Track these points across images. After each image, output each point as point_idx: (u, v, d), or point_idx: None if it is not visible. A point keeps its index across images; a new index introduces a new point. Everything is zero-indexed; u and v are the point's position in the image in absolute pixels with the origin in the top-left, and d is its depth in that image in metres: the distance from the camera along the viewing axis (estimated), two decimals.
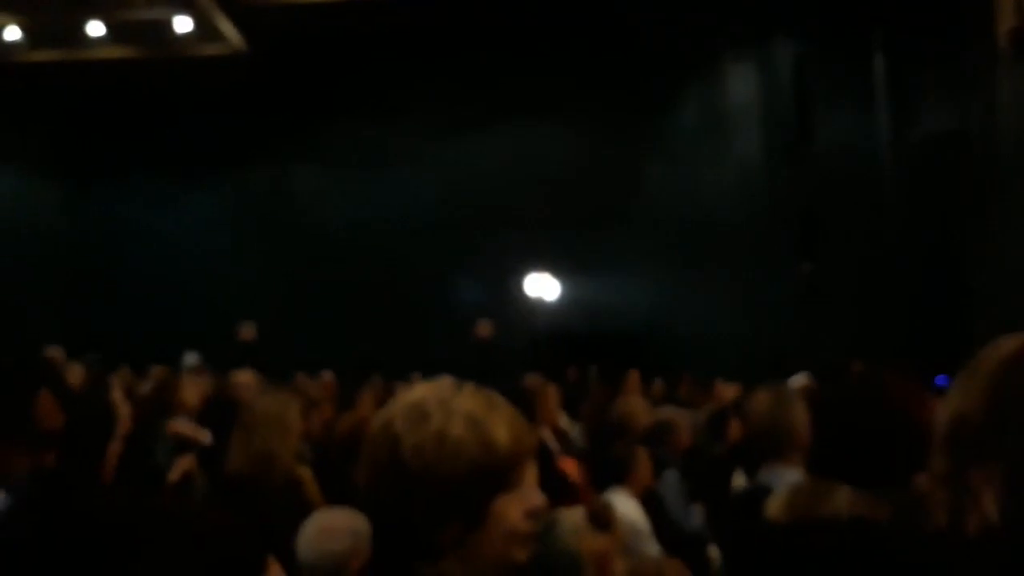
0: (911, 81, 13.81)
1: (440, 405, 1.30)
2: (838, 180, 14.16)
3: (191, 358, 11.75)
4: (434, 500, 1.25)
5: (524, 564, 1.37)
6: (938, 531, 1.51)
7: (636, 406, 5.54)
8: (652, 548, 4.20)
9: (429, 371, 7.98)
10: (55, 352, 7.58)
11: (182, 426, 4.45)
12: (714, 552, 4.25)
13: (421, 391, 1.36)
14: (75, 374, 4.86)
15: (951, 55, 12.85)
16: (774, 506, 1.81)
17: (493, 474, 1.29)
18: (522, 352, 16.40)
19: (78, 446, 2.24)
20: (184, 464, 4.10)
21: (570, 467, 5.19)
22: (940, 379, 9.60)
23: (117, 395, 4.58)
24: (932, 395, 1.85)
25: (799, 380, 7.25)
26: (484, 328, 11.39)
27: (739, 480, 4.89)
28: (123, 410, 4.03)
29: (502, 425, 1.31)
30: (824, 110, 14.66)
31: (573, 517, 3.81)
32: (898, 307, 13.46)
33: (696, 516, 4.93)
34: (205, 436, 4.58)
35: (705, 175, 16.29)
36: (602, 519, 3.69)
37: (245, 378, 6.52)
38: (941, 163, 13.23)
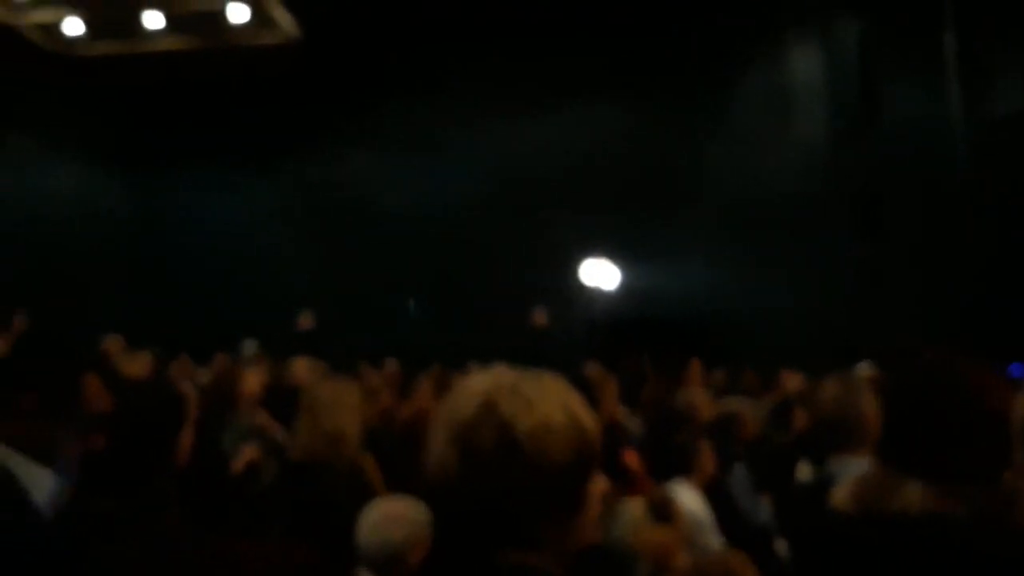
0: (984, 58, 13.39)
1: (537, 391, 1.29)
2: (904, 161, 13.80)
3: (249, 347, 11.89)
4: (544, 486, 1.25)
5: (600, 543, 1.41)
6: (1018, 529, 1.49)
7: (699, 396, 5.50)
8: (715, 541, 4.18)
9: (485, 359, 7.96)
10: (114, 341, 7.69)
11: (264, 418, 4.46)
12: (781, 545, 4.17)
13: (509, 376, 1.33)
14: (142, 363, 4.90)
15: None
16: (840, 496, 1.77)
17: (589, 459, 1.31)
18: (579, 340, 16.34)
19: (150, 433, 2.34)
20: (249, 453, 4.12)
21: (630, 458, 5.14)
22: (1014, 368, 9.30)
23: (186, 383, 4.66)
24: (1010, 384, 1.79)
25: (864, 369, 7.08)
26: (540, 315, 11.32)
27: (804, 471, 4.81)
28: (192, 398, 4.12)
29: (586, 412, 1.34)
30: (890, 88, 14.29)
31: (633, 508, 3.77)
32: (965, 292, 13.09)
33: (763, 509, 4.84)
34: (278, 430, 4.62)
35: (767, 156, 16.00)
36: (663, 511, 3.64)
37: (303, 365, 6.56)
38: (1013, 144, 12.83)
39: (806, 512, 2.54)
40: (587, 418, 1.32)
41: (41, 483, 1.71)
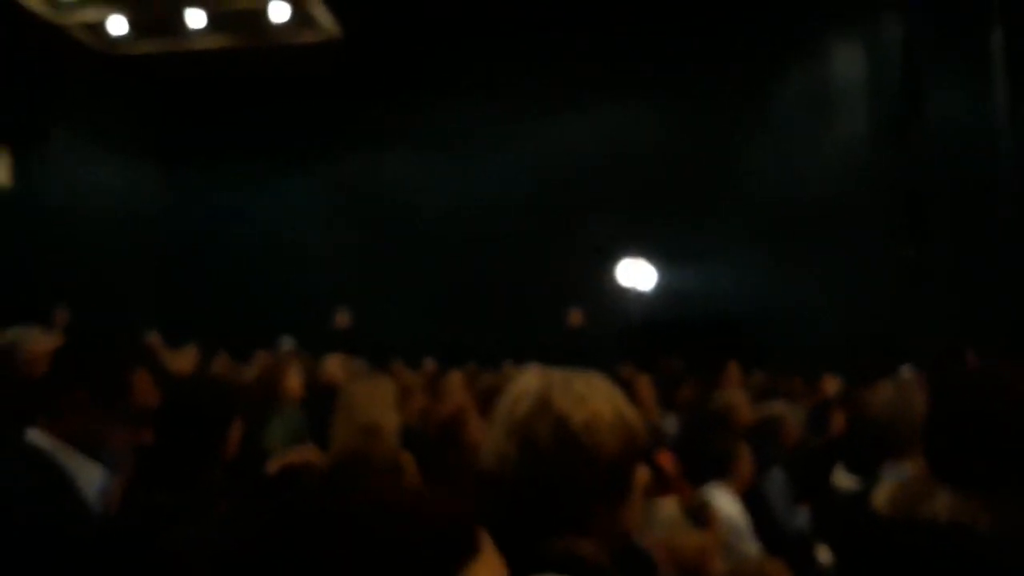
0: None
1: (587, 387, 1.40)
2: (948, 161, 13.57)
3: (287, 343, 12.00)
4: (597, 475, 1.34)
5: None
6: None
7: (739, 399, 5.43)
8: (752, 547, 4.10)
9: (520, 358, 7.98)
10: (153, 338, 7.82)
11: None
12: (821, 552, 4.12)
13: (556, 374, 1.43)
14: (188, 358, 4.95)
15: None
16: (880, 499, 1.77)
17: (636, 448, 1.41)
18: (614, 340, 16.28)
19: (201, 428, 2.43)
20: (293, 456, 4.12)
21: (665, 459, 5.10)
22: None
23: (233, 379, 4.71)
24: None
25: (906, 372, 6.99)
26: (576, 316, 11.33)
27: (841, 476, 4.75)
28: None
29: (629, 406, 1.44)
30: (934, 87, 14.05)
31: (668, 508, 3.75)
32: (1009, 295, 12.86)
33: (800, 515, 4.77)
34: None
35: (807, 156, 15.84)
36: (700, 516, 3.62)
37: (339, 363, 6.59)
38: None
39: (850, 518, 2.48)
40: (632, 413, 1.42)
41: (90, 477, 1.75)
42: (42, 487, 1.68)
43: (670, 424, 7.11)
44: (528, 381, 1.43)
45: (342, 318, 11.11)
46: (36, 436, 1.76)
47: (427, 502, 0.76)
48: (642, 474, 1.44)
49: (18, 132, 15.32)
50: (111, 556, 1.67)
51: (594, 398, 1.37)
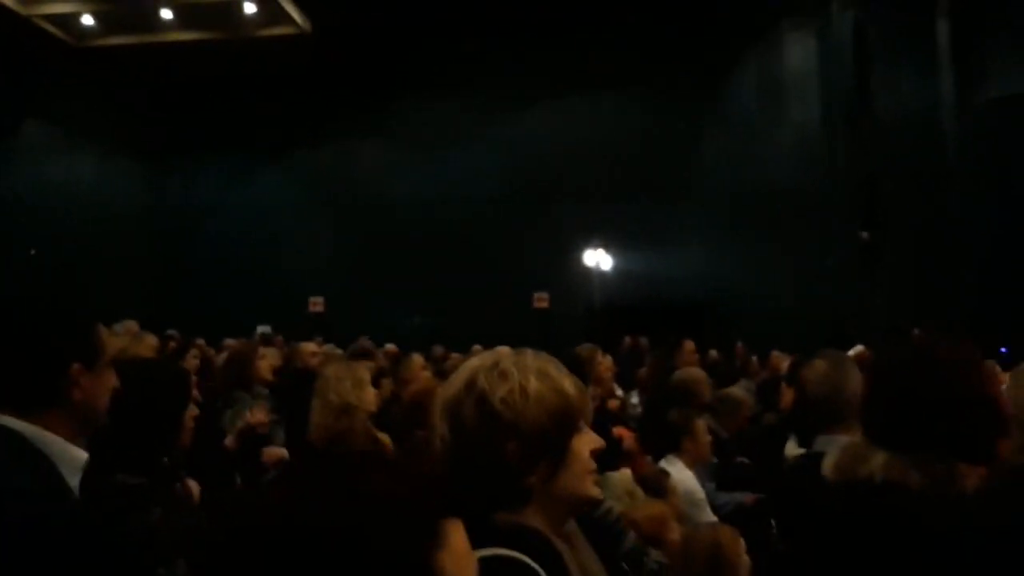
0: (976, 45, 13.41)
1: (515, 364, 1.45)
2: (899, 147, 13.85)
3: (264, 330, 12.06)
4: (525, 444, 1.39)
5: (598, 497, 1.56)
6: (964, 499, 1.60)
7: (698, 376, 5.47)
8: (708, 516, 4.20)
9: (489, 341, 8.16)
10: (130, 325, 7.74)
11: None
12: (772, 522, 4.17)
13: (491, 356, 1.51)
14: (148, 345, 5.00)
15: (1019, 17, 12.49)
16: (827, 464, 1.87)
17: (569, 418, 1.44)
18: (579, 323, 16.55)
19: (154, 414, 2.41)
20: (255, 415, 4.08)
21: (624, 435, 5.20)
22: (1004, 350, 9.47)
23: (191, 364, 4.79)
24: (994, 365, 1.84)
25: (857, 350, 7.20)
26: (541, 299, 11.45)
27: (791, 448, 4.91)
28: (192, 377, 4.22)
29: (566, 378, 1.48)
30: (885, 76, 14.33)
31: (621, 479, 3.88)
32: (959, 276, 13.18)
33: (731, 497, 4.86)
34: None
35: (764, 144, 16.12)
36: (657, 485, 3.77)
37: (314, 348, 6.71)
38: (1006, 128, 12.88)
39: (794, 488, 2.62)
40: (568, 383, 1.46)
41: (74, 462, 1.68)
42: (27, 473, 1.61)
43: (633, 401, 7.29)
44: (466, 365, 1.51)
45: (316, 304, 11.15)
46: (9, 421, 1.64)
47: (395, 489, 0.76)
48: (584, 444, 1.47)
49: None
50: (89, 539, 1.61)
51: (521, 372, 1.43)
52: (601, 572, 1.55)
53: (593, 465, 1.50)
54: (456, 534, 0.75)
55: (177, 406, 2.56)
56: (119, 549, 1.90)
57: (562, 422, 1.44)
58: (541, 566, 1.33)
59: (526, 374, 1.44)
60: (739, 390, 5.97)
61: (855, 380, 2.68)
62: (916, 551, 1.59)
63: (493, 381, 1.42)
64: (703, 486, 4.63)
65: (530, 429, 1.40)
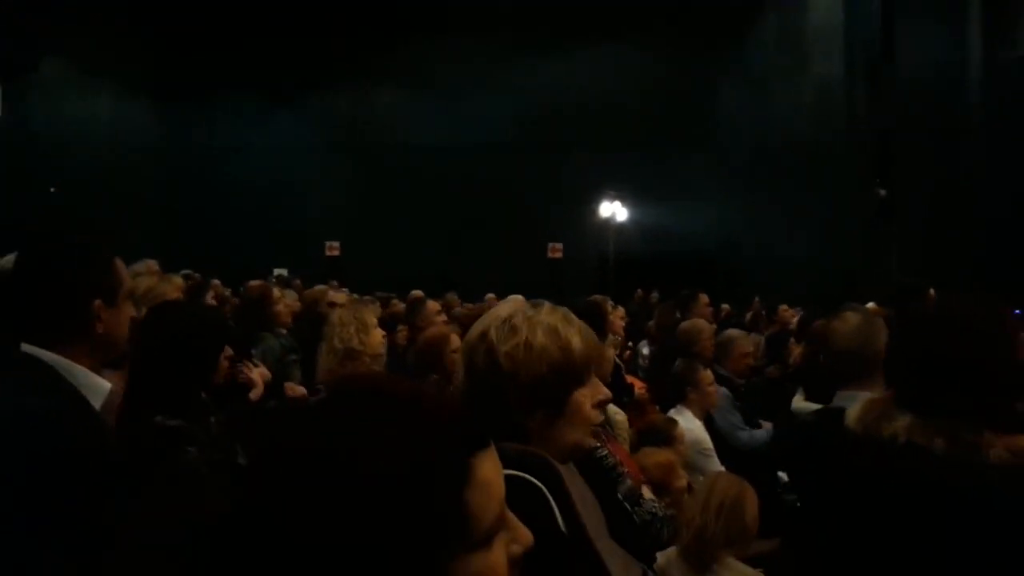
0: (1006, 1, 13.12)
1: (526, 320, 1.57)
2: (921, 103, 13.61)
3: (280, 273, 12.13)
4: (524, 394, 1.52)
5: (590, 448, 1.67)
6: (987, 467, 1.60)
7: (702, 327, 5.49)
8: (716, 466, 4.24)
9: (502, 290, 8.23)
10: (151, 264, 7.78)
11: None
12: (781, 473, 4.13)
13: (508, 308, 1.63)
14: (176, 285, 5.08)
15: None
16: (851, 416, 1.87)
17: (570, 372, 1.56)
18: (592, 274, 16.61)
19: (192, 355, 2.48)
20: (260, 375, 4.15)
21: (636, 384, 5.25)
22: (1017, 312, 9.45)
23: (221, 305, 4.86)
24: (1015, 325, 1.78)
25: (868, 307, 7.20)
26: (555, 249, 11.47)
27: (799, 402, 4.96)
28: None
29: (575, 334, 1.58)
30: (910, 30, 14.04)
31: (620, 417, 3.94)
32: (974, 237, 13.07)
33: (751, 435, 4.93)
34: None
35: (783, 96, 15.94)
36: (664, 433, 3.84)
37: (340, 296, 6.79)
38: None
39: (812, 443, 2.60)
40: (577, 340, 1.58)
41: (98, 390, 1.75)
42: (56, 401, 1.64)
43: (644, 352, 7.36)
44: (485, 317, 1.64)
45: (332, 248, 11.19)
46: (37, 351, 1.69)
47: (438, 396, 0.78)
48: (586, 397, 1.58)
49: (7, 62, 15.09)
50: (125, 477, 1.68)
51: (528, 328, 1.55)
52: (594, 502, 1.65)
53: (596, 417, 1.61)
54: (483, 464, 0.77)
55: (214, 346, 2.61)
56: (139, 473, 1.97)
57: (562, 375, 1.55)
58: (543, 484, 1.45)
59: (535, 329, 1.55)
60: (734, 332, 5.95)
61: (883, 337, 2.66)
62: (936, 515, 1.61)
63: (503, 334, 1.56)
64: (730, 418, 4.75)
65: (529, 380, 1.52)
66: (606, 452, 2.89)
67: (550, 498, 1.46)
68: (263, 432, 0.77)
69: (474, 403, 1.54)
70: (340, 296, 6.71)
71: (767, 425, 4.97)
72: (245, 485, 0.74)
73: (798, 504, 2.89)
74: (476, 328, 1.62)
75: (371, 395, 0.77)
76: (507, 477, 1.33)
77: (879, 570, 1.72)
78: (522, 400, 1.52)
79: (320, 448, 0.71)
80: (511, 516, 0.81)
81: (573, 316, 1.64)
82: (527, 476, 1.44)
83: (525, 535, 0.83)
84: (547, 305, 1.65)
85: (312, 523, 0.68)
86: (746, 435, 4.87)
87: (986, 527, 1.56)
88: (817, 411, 3.39)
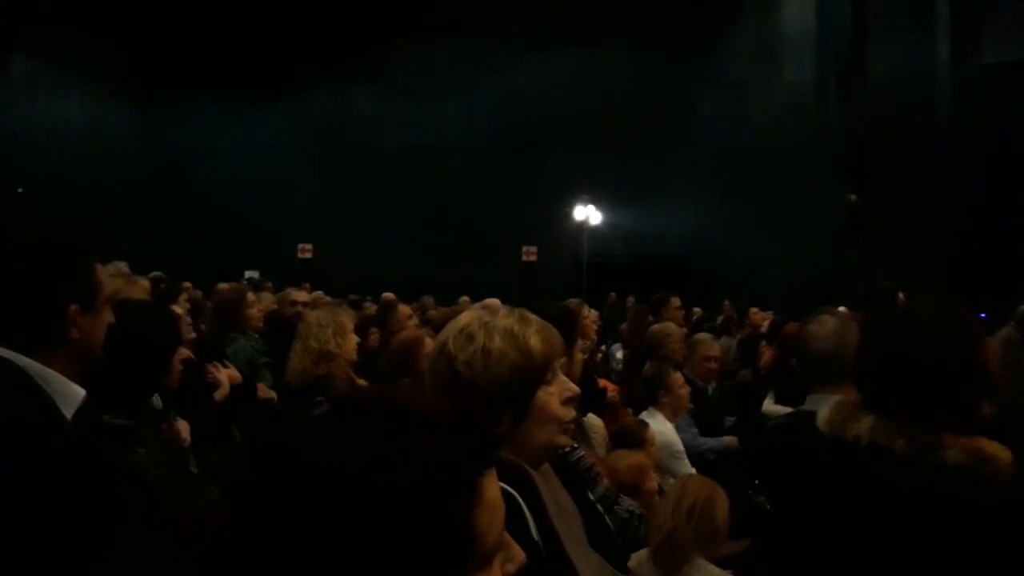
0: (975, 9, 13.29)
1: (482, 326, 1.57)
2: (891, 109, 13.77)
3: (252, 275, 12.05)
4: (487, 399, 1.52)
5: (566, 447, 1.65)
6: (942, 467, 1.63)
7: (673, 330, 5.50)
8: (687, 468, 4.27)
9: (476, 293, 8.22)
10: (120, 266, 7.70)
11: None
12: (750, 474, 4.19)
13: (465, 317, 1.62)
14: (140, 288, 5.01)
15: None
16: (821, 419, 1.91)
17: (531, 373, 1.55)
18: (567, 276, 16.65)
19: (144, 355, 2.45)
20: (225, 375, 4.07)
21: (608, 386, 5.25)
22: (983, 316, 9.55)
23: (180, 308, 4.80)
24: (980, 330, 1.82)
25: (840, 310, 7.26)
26: (530, 253, 11.49)
27: (769, 405, 4.98)
28: (185, 321, 4.25)
29: (533, 334, 1.58)
30: (881, 38, 14.21)
31: (601, 426, 3.94)
32: (945, 241, 13.22)
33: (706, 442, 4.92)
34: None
35: (756, 102, 16.09)
36: (636, 436, 3.85)
37: (302, 295, 6.75)
38: (998, 93, 12.82)
39: (782, 446, 2.63)
40: (536, 340, 1.57)
41: (73, 398, 1.71)
42: (30, 405, 1.62)
43: (618, 355, 7.37)
44: (447, 327, 1.64)
45: (305, 251, 11.14)
46: (13, 355, 1.65)
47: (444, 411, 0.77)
48: (551, 396, 1.57)
49: None
50: (83, 478, 1.61)
51: (486, 335, 1.55)
52: (571, 504, 1.65)
53: (564, 414, 1.60)
54: (490, 485, 0.75)
55: (167, 348, 2.59)
56: (110, 484, 1.91)
57: (523, 378, 1.55)
58: (515, 490, 1.43)
59: (491, 335, 1.56)
60: (703, 335, 5.96)
61: (856, 341, 2.53)
62: (891, 514, 1.64)
63: (460, 344, 1.55)
64: (685, 431, 4.73)
65: (490, 387, 1.52)
66: (582, 453, 2.89)
67: (524, 507, 1.45)
68: (268, 446, 0.74)
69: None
70: (302, 295, 6.69)
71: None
72: (248, 500, 0.71)
73: (768, 506, 2.88)
74: (438, 340, 1.62)
75: (381, 409, 0.75)
76: None
77: (844, 569, 1.74)
78: (486, 407, 1.52)
79: (331, 464, 0.69)
80: (506, 534, 0.80)
81: (530, 316, 1.64)
82: (501, 484, 1.40)
83: (519, 554, 0.82)
84: (504, 309, 1.65)
85: (324, 540, 0.66)
86: (712, 442, 4.87)
87: (937, 526, 1.59)
88: (788, 414, 3.40)
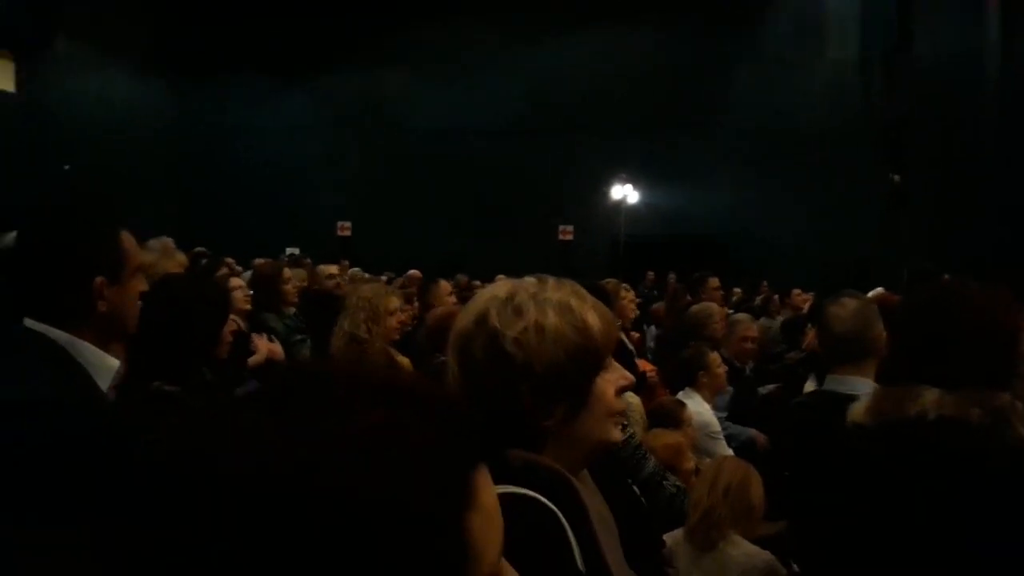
0: None
1: (531, 297, 1.30)
2: (938, 88, 13.53)
3: (292, 252, 12.13)
4: (541, 386, 1.25)
5: (618, 442, 1.40)
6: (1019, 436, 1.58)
7: (713, 310, 5.45)
8: (724, 450, 4.23)
9: (512, 272, 8.25)
10: (166, 242, 7.75)
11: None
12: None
13: (506, 286, 1.34)
14: (176, 262, 5.04)
15: None
16: (857, 411, 1.81)
17: (591, 356, 1.30)
18: (603, 256, 16.60)
19: (194, 327, 2.47)
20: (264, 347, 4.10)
21: (646, 367, 5.22)
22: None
23: (235, 281, 4.85)
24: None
25: (876, 292, 7.18)
26: (566, 232, 11.45)
27: (809, 387, 4.93)
28: (238, 295, 4.30)
29: (591, 311, 1.32)
30: (928, 16, 13.94)
31: (639, 405, 3.94)
32: (987, 223, 13.00)
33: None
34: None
35: (797, 80, 15.85)
36: (673, 415, 3.84)
37: (332, 268, 6.83)
38: None
39: (802, 430, 2.64)
40: (593, 317, 1.31)
41: (107, 369, 1.70)
42: (59, 381, 1.61)
43: (652, 335, 7.36)
44: (479, 296, 1.37)
45: (343, 228, 11.20)
46: (45, 328, 1.65)
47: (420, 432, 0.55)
48: (608, 384, 1.33)
49: (21, 39, 15.14)
50: (121, 450, 1.54)
51: (536, 308, 1.28)
52: (608, 512, 1.38)
53: (619, 406, 1.36)
54: (486, 486, 0.58)
55: (216, 320, 2.62)
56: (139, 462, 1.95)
57: (583, 362, 1.29)
58: (556, 505, 1.20)
59: (543, 308, 1.29)
60: (741, 316, 5.92)
61: (879, 324, 2.66)
62: (978, 485, 1.59)
63: (506, 317, 1.27)
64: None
65: (546, 371, 1.25)
66: (632, 432, 2.89)
67: (566, 526, 1.20)
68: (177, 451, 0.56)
69: (472, 403, 1.19)
70: (332, 268, 6.74)
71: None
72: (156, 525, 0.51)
73: (793, 484, 2.89)
74: (469, 312, 1.33)
75: (322, 385, 0.56)
76: (513, 497, 1.15)
77: (913, 547, 1.68)
78: (538, 396, 1.25)
79: (246, 472, 0.50)
80: (504, 562, 0.63)
81: (583, 290, 1.37)
82: (538, 497, 1.20)
83: None
84: (552, 280, 1.35)
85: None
86: (735, 429, 4.83)
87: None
88: (809, 394, 3.41)
